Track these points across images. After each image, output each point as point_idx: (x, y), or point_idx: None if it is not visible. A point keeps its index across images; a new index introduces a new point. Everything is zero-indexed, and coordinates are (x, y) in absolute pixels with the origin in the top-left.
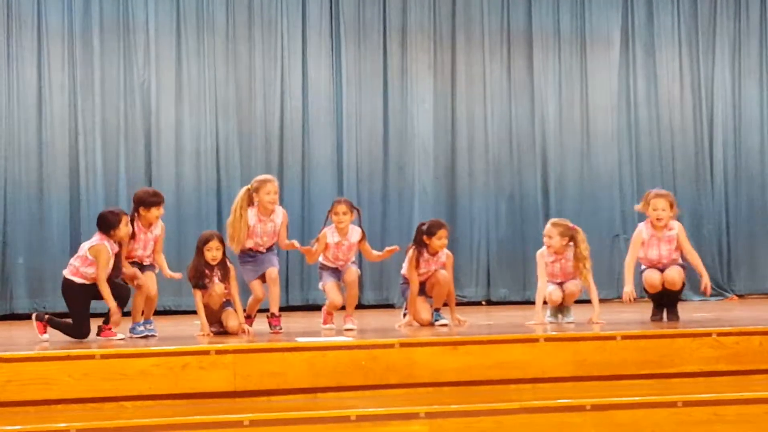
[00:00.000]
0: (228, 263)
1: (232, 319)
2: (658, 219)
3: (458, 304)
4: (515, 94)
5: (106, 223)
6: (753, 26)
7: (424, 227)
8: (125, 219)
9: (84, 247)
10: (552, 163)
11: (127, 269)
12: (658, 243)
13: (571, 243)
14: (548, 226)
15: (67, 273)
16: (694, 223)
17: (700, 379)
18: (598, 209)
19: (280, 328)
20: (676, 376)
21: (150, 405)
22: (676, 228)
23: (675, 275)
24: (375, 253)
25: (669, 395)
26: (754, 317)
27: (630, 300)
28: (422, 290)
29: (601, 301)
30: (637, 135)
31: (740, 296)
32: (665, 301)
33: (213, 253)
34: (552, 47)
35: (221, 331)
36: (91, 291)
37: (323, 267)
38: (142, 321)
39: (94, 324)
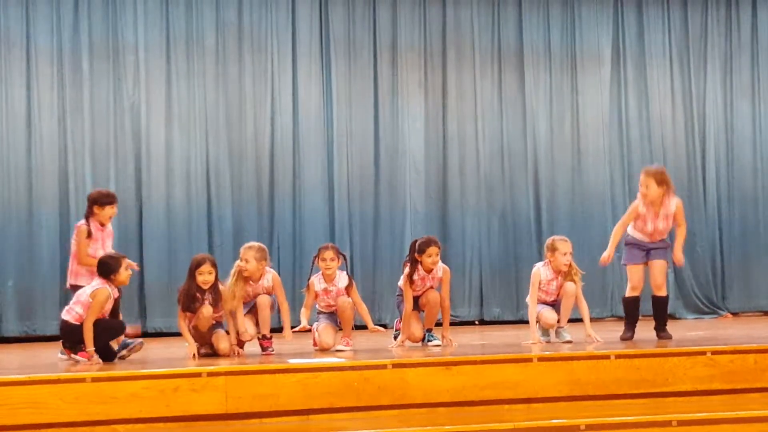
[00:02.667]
0: (220, 287)
1: (223, 341)
2: (643, 196)
3: (451, 324)
4: (506, 111)
5: (107, 269)
6: (744, 43)
7: (417, 244)
8: (125, 263)
9: (86, 292)
10: (544, 180)
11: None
12: (655, 218)
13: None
14: (567, 244)
15: (67, 317)
16: (688, 241)
17: (695, 398)
18: (590, 227)
19: (272, 350)
20: (671, 395)
21: (141, 428)
22: (673, 206)
23: (659, 276)
24: (364, 308)
25: (663, 414)
26: (749, 335)
27: (606, 261)
28: (416, 305)
29: (594, 319)
30: (628, 152)
31: (734, 314)
32: (655, 314)
33: (205, 277)
34: (543, 65)
35: (210, 353)
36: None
37: (321, 312)
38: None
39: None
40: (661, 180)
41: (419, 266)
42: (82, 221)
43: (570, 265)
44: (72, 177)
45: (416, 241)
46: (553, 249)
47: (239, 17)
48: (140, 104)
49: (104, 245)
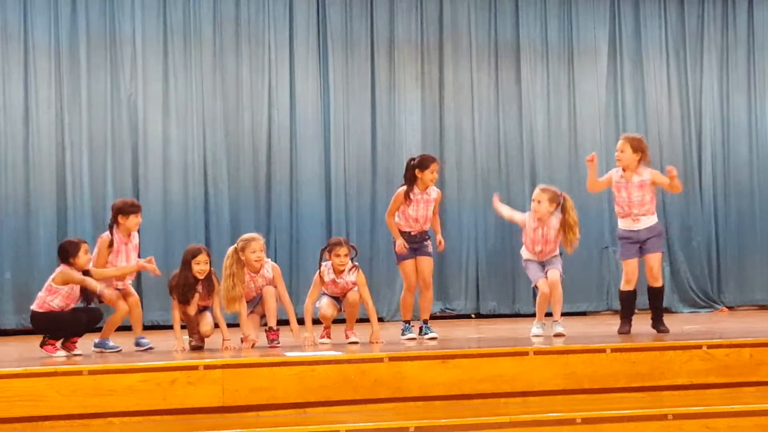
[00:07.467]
0: (213, 279)
1: (206, 325)
2: (617, 160)
3: (448, 317)
4: (503, 105)
5: (66, 253)
6: (740, 37)
7: (417, 160)
8: (84, 247)
9: (49, 279)
10: (540, 174)
11: (110, 293)
12: (627, 185)
13: (557, 212)
14: (537, 191)
15: (35, 307)
16: (684, 235)
17: (691, 391)
18: (586, 221)
19: (278, 342)
20: (667, 388)
21: (138, 421)
22: (648, 174)
23: (655, 267)
24: (373, 311)
25: (659, 408)
26: (745, 329)
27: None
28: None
29: (591, 313)
30: None
31: (730, 308)
32: (651, 304)
33: (201, 266)
34: (540, 58)
35: (201, 346)
36: (60, 317)
37: (324, 294)
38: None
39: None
40: (638, 147)
41: (416, 184)
42: (106, 232)
43: (569, 227)
44: (69, 170)
45: (413, 159)
46: (532, 200)
47: (237, 10)
48: (137, 96)
49: (128, 259)
